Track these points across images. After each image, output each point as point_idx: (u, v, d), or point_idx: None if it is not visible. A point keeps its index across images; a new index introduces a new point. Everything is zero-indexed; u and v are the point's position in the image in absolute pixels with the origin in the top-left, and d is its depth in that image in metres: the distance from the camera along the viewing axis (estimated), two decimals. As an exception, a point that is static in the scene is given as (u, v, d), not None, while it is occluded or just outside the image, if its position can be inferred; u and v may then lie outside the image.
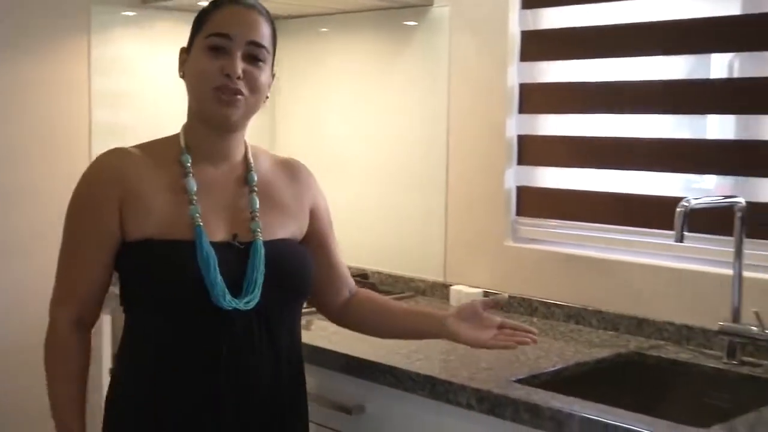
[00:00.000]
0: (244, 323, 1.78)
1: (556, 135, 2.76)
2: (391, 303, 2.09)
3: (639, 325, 2.47)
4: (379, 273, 3.10)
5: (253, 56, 1.79)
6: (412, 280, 3.03)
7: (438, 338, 1.98)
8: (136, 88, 3.24)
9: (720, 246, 2.35)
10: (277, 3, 2.85)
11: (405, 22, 3.06)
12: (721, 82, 2.44)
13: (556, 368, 2.15)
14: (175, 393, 1.77)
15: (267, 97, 1.85)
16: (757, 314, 2.18)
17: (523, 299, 2.72)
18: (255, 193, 1.87)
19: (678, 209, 2.09)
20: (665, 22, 2.49)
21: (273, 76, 1.87)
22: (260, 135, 3.17)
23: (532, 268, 2.75)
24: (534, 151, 2.81)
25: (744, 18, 2.37)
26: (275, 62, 1.87)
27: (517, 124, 2.83)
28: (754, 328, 2.18)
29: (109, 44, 3.16)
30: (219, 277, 1.74)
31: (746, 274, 2.23)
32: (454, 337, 1.94)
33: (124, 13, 3.18)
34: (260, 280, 1.79)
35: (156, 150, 1.86)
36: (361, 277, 3.00)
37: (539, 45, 2.78)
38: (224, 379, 1.77)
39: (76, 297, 1.83)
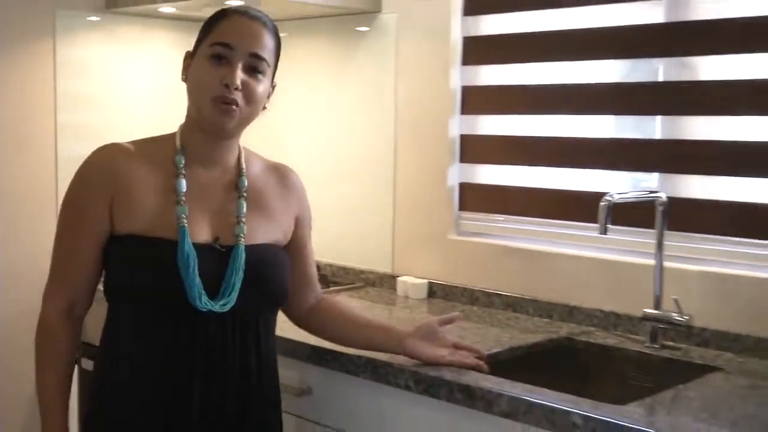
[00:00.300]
0: (219, 325, 1.77)
1: (495, 134, 2.78)
2: (355, 314, 2.09)
3: (571, 313, 2.51)
4: (331, 265, 3.10)
5: (253, 68, 1.77)
6: (362, 271, 3.04)
7: (395, 353, 2.01)
8: (100, 90, 3.21)
9: (644, 238, 2.39)
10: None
11: (358, 28, 3.07)
12: (647, 85, 2.47)
13: (491, 352, 2.17)
14: (151, 388, 1.76)
15: (265, 107, 1.84)
16: (676, 301, 2.23)
17: (465, 289, 2.75)
18: (243, 198, 1.85)
19: (601, 203, 2.12)
20: (595, 30, 2.53)
21: (273, 86, 1.86)
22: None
23: (474, 259, 2.77)
24: (475, 149, 2.83)
25: (667, 26, 2.41)
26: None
27: (459, 124, 2.85)
28: (674, 315, 2.23)
29: (73, 48, 3.13)
30: (197, 278, 1.72)
31: (667, 264, 2.28)
32: (412, 355, 1.99)
33: (88, 18, 3.15)
34: (238, 284, 1.77)
35: (151, 148, 1.83)
36: (315, 269, 3.03)
37: (480, 50, 2.80)
38: (197, 378, 1.76)
39: (67, 287, 1.81)
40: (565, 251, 2.59)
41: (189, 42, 1.91)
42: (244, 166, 1.89)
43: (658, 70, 2.45)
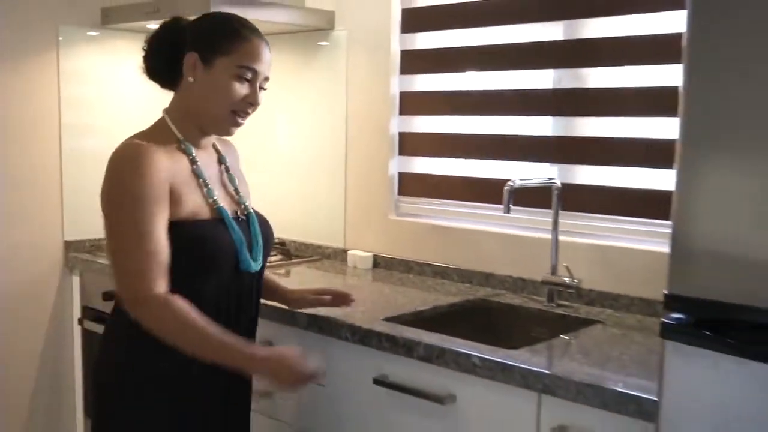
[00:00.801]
0: (250, 282, 1.89)
1: (427, 132, 2.88)
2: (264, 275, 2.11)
3: (487, 279, 2.65)
4: (293, 242, 3.19)
5: (262, 87, 1.86)
6: (319, 246, 3.14)
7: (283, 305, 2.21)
8: (98, 95, 3.25)
9: (543, 217, 2.52)
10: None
11: (319, 42, 3.12)
12: (547, 91, 2.57)
13: (417, 310, 2.32)
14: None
15: None
16: (568, 268, 2.38)
17: (402, 260, 2.87)
18: (232, 173, 1.94)
19: (505, 188, 2.24)
20: (508, 45, 2.64)
21: None
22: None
23: (410, 236, 2.89)
24: (411, 144, 2.93)
25: (565, 42, 2.52)
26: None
27: (398, 124, 2.94)
28: (566, 279, 2.38)
29: (75, 59, 3.17)
30: (245, 247, 1.84)
31: (561, 238, 2.42)
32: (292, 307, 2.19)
33: (88, 33, 3.19)
34: (262, 246, 1.90)
35: (159, 141, 1.80)
36: (280, 245, 3.11)
37: (415, 61, 2.89)
38: (241, 325, 1.87)
39: (163, 271, 1.72)
40: (481, 228, 2.69)
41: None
42: (218, 146, 1.97)
43: (557, 79, 2.55)
